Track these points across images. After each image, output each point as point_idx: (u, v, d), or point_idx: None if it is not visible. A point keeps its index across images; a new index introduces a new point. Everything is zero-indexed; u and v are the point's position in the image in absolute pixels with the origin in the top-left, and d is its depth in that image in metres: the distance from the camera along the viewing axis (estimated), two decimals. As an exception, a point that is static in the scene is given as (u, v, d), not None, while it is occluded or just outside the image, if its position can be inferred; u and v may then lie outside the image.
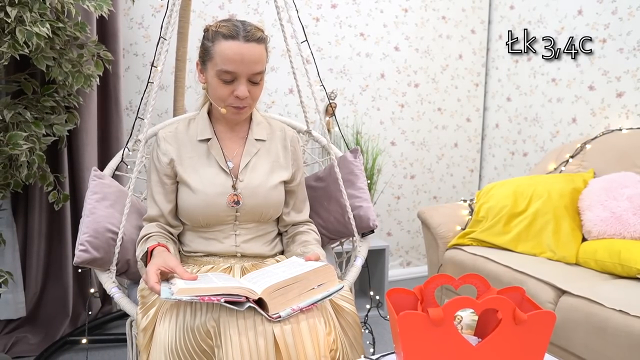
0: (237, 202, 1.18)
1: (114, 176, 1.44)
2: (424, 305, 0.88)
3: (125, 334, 1.36)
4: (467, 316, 0.93)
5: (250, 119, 1.29)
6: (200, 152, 1.22)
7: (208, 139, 1.22)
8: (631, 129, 1.96)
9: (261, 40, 1.14)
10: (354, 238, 1.44)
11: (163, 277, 1.01)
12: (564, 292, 1.44)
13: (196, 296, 0.89)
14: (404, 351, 0.77)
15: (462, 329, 0.93)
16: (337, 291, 1.02)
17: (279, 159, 1.27)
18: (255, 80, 1.15)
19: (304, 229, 1.31)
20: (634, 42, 2.06)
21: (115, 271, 1.24)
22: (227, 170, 1.20)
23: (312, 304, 0.97)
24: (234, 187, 1.19)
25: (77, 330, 2.00)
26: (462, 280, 0.88)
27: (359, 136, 2.58)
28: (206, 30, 1.17)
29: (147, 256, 1.09)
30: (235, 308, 0.92)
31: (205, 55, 1.15)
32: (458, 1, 2.74)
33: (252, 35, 1.12)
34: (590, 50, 2.24)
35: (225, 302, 0.90)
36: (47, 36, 1.50)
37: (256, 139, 1.26)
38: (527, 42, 2.58)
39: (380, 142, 2.70)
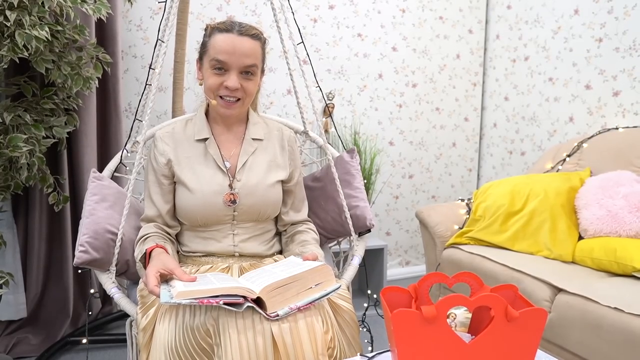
0: (234, 201, 1.19)
1: (113, 177, 1.45)
2: (418, 303, 0.89)
3: (125, 334, 1.38)
4: (460, 314, 0.94)
5: (247, 119, 1.30)
6: (197, 152, 1.23)
7: (205, 139, 1.24)
8: (627, 127, 1.97)
9: (255, 36, 1.17)
10: (351, 237, 1.46)
11: (162, 279, 1.02)
12: (560, 290, 1.45)
13: (195, 299, 0.90)
14: (398, 348, 0.78)
15: (455, 326, 0.94)
16: (334, 290, 1.03)
17: (276, 158, 1.28)
18: (247, 74, 1.17)
19: (302, 229, 1.32)
20: (629, 42, 2.07)
21: (115, 272, 1.25)
22: (225, 170, 1.21)
23: (310, 303, 0.98)
24: (230, 186, 1.20)
25: (77, 330, 2.01)
26: (455, 278, 0.89)
27: (357, 136, 2.59)
28: (205, 29, 1.21)
29: (146, 258, 1.11)
30: (235, 309, 0.93)
31: (202, 51, 1.20)
32: (455, 1, 2.75)
33: (247, 30, 1.16)
34: (587, 49, 2.25)
35: (225, 304, 0.92)
36: (46, 39, 1.51)
37: (253, 139, 1.27)
38: (524, 41, 2.59)
39: (378, 142, 2.71)
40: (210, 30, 1.18)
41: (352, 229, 1.43)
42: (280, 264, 1.10)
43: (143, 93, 1.43)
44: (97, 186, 1.32)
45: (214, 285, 0.95)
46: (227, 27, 1.16)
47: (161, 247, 1.11)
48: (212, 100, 1.18)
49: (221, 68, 1.15)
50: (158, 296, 0.95)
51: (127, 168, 1.52)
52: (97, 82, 1.87)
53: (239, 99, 1.18)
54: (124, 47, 2.17)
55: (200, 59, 1.21)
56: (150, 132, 1.45)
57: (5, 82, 1.76)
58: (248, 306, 0.93)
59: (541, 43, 2.49)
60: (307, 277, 1.00)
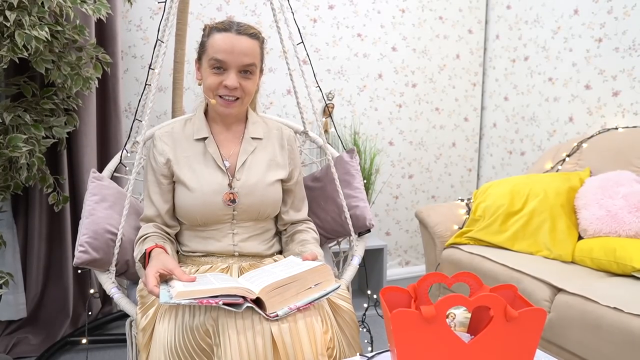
0: (233, 201, 1.20)
1: (113, 178, 1.45)
2: (418, 303, 0.89)
3: (125, 334, 1.38)
4: (460, 314, 0.94)
5: (246, 118, 1.30)
6: (196, 151, 1.23)
7: (204, 138, 1.24)
8: (627, 127, 1.97)
9: (254, 35, 1.18)
10: (351, 237, 1.46)
11: (162, 279, 1.02)
12: (559, 290, 1.45)
13: (195, 299, 0.90)
14: (397, 348, 0.78)
15: (455, 326, 0.94)
16: (333, 290, 1.03)
17: (275, 157, 1.28)
18: (246, 73, 1.17)
19: (302, 228, 1.32)
20: (629, 42, 2.07)
21: (114, 272, 1.25)
22: (224, 169, 1.21)
23: (309, 303, 0.98)
24: (230, 185, 1.20)
25: (77, 330, 2.01)
26: (455, 278, 0.89)
27: (357, 136, 2.59)
28: (204, 29, 1.21)
29: (145, 257, 1.11)
30: (234, 310, 0.93)
31: (201, 50, 1.20)
32: (455, 1, 2.75)
33: (245, 30, 1.16)
34: (587, 49, 2.25)
35: (224, 304, 0.92)
36: (46, 39, 1.51)
37: (252, 138, 1.27)
38: (524, 41, 2.59)
39: (378, 142, 2.71)
40: (209, 30, 1.18)
41: (351, 229, 1.43)
42: (279, 264, 1.10)
43: (143, 93, 1.43)
44: (97, 186, 1.32)
45: (214, 286, 0.95)
46: (226, 26, 1.16)
47: (161, 247, 1.12)
48: (211, 99, 1.18)
49: (220, 67, 1.15)
50: (157, 296, 0.95)
51: (127, 168, 1.52)
52: (96, 82, 1.87)
53: (237, 98, 1.19)
54: (123, 47, 2.17)
55: (199, 59, 1.21)
56: (150, 132, 1.45)
57: (5, 83, 1.76)
58: (247, 306, 0.93)
59: (541, 43, 2.49)
60: (306, 277, 1.00)
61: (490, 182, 1.98)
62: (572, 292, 1.39)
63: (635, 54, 2.05)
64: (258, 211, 1.23)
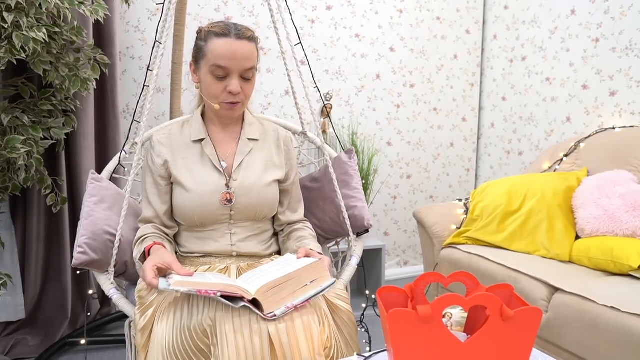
0: (230, 201, 1.20)
1: (112, 179, 1.45)
2: (414, 303, 0.90)
3: (124, 334, 1.38)
4: (456, 313, 0.95)
5: (243, 119, 1.30)
6: (194, 153, 1.23)
7: (201, 139, 1.24)
8: (624, 127, 1.98)
9: (252, 39, 1.18)
10: (349, 238, 1.46)
11: (160, 274, 1.03)
12: (557, 289, 1.46)
13: (193, 288, 0.91)
14: (394, 348, 0.79)
15: (451, 326, 0.95)
16: (329, 286, 1.04)
17: (272, 158, 1.29)
18: (247, 76, 1.18)
19: (299, 226, 1.33)
20: (626, 42, 2.08)
21: (113, 272, 1.26)
22: (221, 170, 1.22)
23: (306, 301, 0.99)
24: (227, 185, 1.21)
25: (76, 331, 2.02)
26: (451, 278, 0.89)
27: (355, 137, 2.60)
28: (199, 32, 1.20)
29: (145, 256, 1.11)
30: (231, 304, 0.94)
31: (198, 54, 1.18)
32: (453, 2, 2.76)
33: (243, 33, 1.16)
34: (584, 49, 2.26)
35: (222, 296, 0.92)
36: (43, 41, 1.51)
37: (249, 139, 1.27)
38: (521, 42, 2.60)
39: (376, 142, 2.72)
40: (206, 34, 1.16)
41: (350, 229, 1.43)
42: (275, 263, 1.11)
43: (141, 94, 1.44)
44: (96, 187, 1.32)
45: (211, 281, 0.96)
46: (224, 31, 1.15)
47: (159, 244, 1.12)
48: (214, 105, 1.19)
49: (222, 73, 1.15)
50: (156, 287, 0.95)
51: (126, 169, 1.52)
52: (95, 83, 1.87)
53: (239, 101, 1.19)
54: (121, 48, 2.17)
55: (196, 61, 1.20)
56: (148, 133, 1.46)
57: (3, 84, 1.76)
58: (245, 306, 0.94)
59: (538, 43, 2.50)
60: (301, 275, 1.01)
61: (488, 182, 1.98)
62: (569, 291, 1.40)
63: (632, 54, 2.05)
64: (255, 211, 1.23)
